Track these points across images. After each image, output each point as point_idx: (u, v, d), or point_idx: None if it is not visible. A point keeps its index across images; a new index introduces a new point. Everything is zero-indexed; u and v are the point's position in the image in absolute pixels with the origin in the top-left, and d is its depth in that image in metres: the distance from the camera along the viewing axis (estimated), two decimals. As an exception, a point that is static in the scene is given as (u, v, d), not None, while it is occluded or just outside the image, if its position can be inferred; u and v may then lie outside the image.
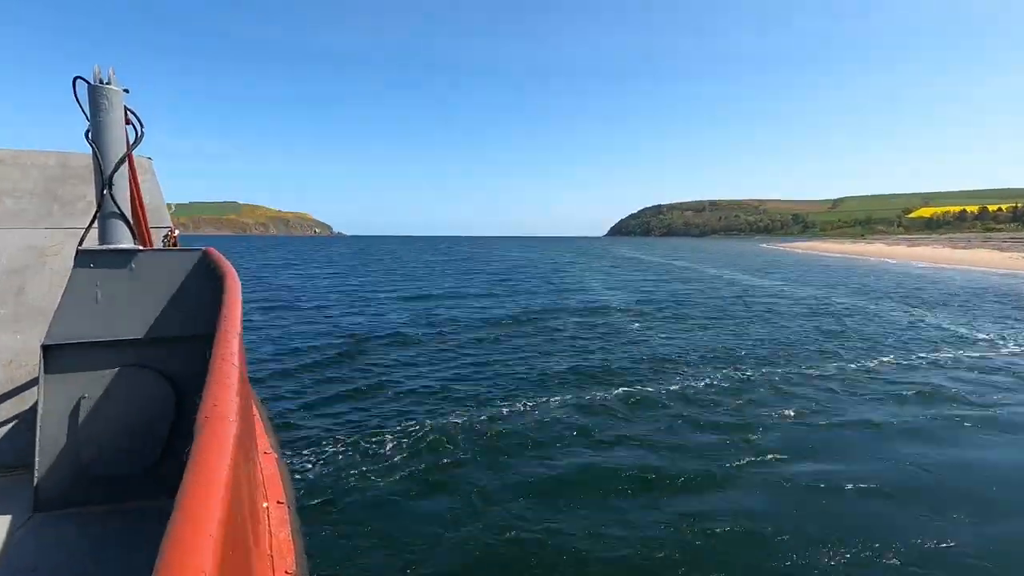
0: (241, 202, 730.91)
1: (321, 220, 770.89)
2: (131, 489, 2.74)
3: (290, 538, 2.18)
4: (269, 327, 17.05)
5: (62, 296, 2.81)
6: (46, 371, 2.68)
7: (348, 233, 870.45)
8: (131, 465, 2.74)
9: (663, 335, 16.22)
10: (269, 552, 1.99)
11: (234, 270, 2.70)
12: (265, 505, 2.33)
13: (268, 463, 2.88)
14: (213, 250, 3.06)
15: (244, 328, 2.19)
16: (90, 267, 2.84)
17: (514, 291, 28.72)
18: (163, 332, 2.89)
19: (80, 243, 2.99)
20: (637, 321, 18.97)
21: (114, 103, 2.86)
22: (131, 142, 2.98)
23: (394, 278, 37.67)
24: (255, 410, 3.45)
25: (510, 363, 12.54)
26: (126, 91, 2.92)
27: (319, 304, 23.22)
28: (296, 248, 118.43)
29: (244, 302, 2.43)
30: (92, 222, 3.03)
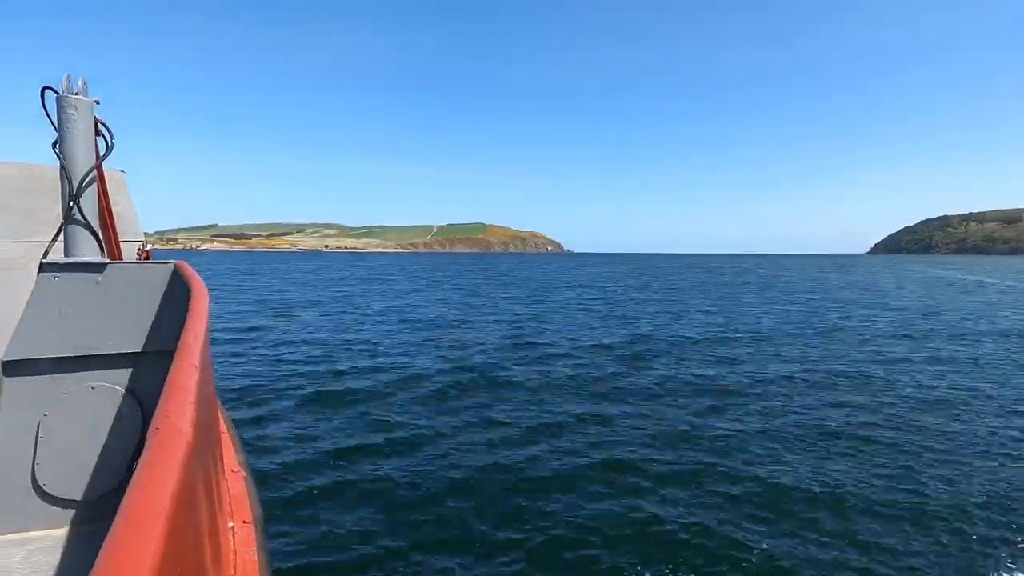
0: (486, 223, 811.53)
1: (552, 238, 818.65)
2: (94, 511, 2.65)
3: (256, 559, 2.10)
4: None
5: (24, 310, 2.73)
6: (5, 387, 2.63)
7: (576, 251, 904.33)
8: (94, 485, 2.67)
9: None
10: (233, 574, 1.94)
11: (203, 284, 2.61)
12: (231, 525, 2.26)
13: (236, 481, 2.78)
14: (184, 264, 3.00)
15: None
16: (54, 280, 2.76)
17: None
18: (131, 348, 2.84)
19: (44, 255, 2.90)
20: None
21: (83, 114, 2.79)
22: (101, 154, 2.93)
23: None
24: (223, 426, 3.44)
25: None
26: (96, 102, 2.85)
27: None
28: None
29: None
30: (57, 234, 2.95)
